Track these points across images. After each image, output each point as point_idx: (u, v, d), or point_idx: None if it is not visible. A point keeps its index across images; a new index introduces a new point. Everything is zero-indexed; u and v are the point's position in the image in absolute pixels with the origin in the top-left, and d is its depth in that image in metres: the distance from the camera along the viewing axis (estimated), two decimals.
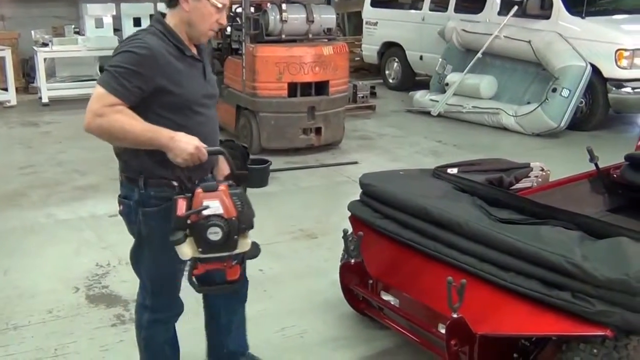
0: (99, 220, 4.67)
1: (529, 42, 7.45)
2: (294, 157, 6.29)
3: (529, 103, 7.46)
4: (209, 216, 1.98)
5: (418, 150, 6.82)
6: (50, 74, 9.14)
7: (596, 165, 3.79)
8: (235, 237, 2.02)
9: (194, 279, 2.12)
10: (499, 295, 2.44)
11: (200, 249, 2.01)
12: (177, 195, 2.03)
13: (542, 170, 3.86)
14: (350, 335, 3.18)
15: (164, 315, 2.42)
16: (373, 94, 9.41)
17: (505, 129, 7.47)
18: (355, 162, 6.22)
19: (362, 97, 8.73)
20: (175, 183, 2.14)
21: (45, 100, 8.53)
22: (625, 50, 7.04)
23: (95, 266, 3.95)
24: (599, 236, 2.49)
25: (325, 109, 6.44)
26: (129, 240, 2.35)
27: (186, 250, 2.02)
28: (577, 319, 2.18)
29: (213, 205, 1.99)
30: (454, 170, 3.53)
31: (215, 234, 1.98)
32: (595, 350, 2.21)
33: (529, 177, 3.80)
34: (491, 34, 7.88)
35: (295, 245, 4.31)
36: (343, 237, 2.88)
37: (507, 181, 3.61)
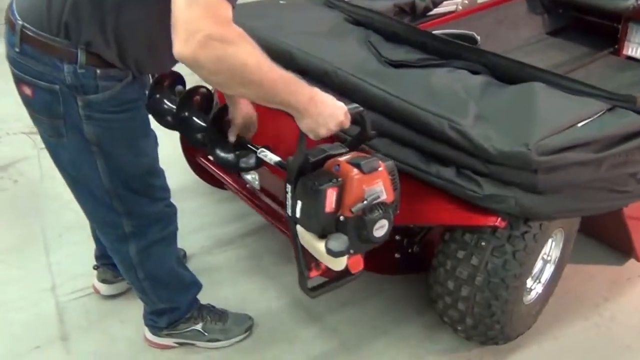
0: None
1: None
2: None
3: None
4: (373, 206, 1.40)
5: None
6: None
7: None
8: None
9: (308, 285, 1.53)
10: None
11: (352, 250, 1.42)
12: (324, 184, 1.37)
13: None
14: (215, 219, 2.62)
15: (161, 231, 1.75)
16: None
17: None
18: None
19: None
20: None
21: None
22: None
23: None
24: (512, 80, 1.85)
25: None
26: None
27: (344, 261, 1.44)
28: (461, 203, 1.60)
29: (377, 191, 1.42)
30: None
31: (381, 228, 1.42)
32: (483, 243, 1.67)
33: None
34: None
35: None
36: None
37: (421, 6, 2.88)
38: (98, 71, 1.39)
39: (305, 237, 1.47)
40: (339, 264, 1.46)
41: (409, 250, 1.98)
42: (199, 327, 1.96)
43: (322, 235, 1.43)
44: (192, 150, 2.36)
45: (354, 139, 1.58)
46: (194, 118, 1.97)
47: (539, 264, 1.90)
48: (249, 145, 1.86)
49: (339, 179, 1.39)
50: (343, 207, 1.40)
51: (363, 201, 1.39)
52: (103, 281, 2.19)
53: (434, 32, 2.34)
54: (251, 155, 1.90)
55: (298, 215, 1.45)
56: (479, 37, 2.36)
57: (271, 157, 1.71)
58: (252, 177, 2.21)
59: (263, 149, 1.76)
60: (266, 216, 2.12)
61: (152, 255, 1.76)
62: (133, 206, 1.65)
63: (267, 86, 1.23)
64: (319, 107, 1.33)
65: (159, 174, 1.69)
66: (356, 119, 1.49)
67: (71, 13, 1.33)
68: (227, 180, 2.23)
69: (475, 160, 1.57)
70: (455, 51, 2.03)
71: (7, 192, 2.84)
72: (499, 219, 1.56)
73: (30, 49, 1.40)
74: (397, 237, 1.98)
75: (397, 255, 1.99)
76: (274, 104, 1.30)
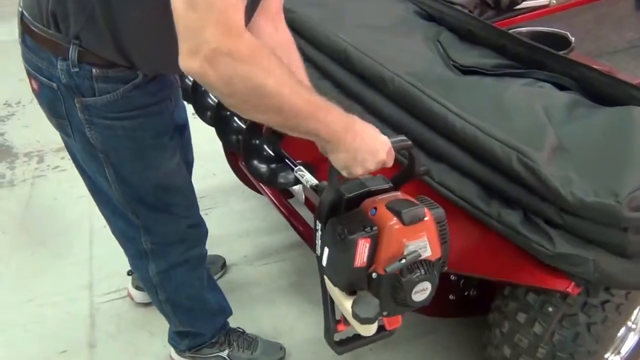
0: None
1: None
2: None
3: None
4: (413, 265, 1.14)
5: None
6: None
7: None
8: None
9: (334, 338, 1.31)
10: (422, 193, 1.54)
11: (385, 312, 1.19)
12: (355, 233, 1.12)
13: None
14: (262, 226, 2.43)
15: (183, 254, 1.57)
16: None
17: None
18: None
19: None
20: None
21: None
22: None
23: (3, 105, 3.27)
24: (607, 101, 1.49)
25: None
26: None
27: (373, 328, 1.22)
28: (525, 256, 1.29)
29: (420, 246, 1.15)
30: None
31: (422, 292, 1.16)
32: (550, 309, 1.34)
33: None
34: None
35: None
36: None
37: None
38: (94, 71, 1.19)
39: (333, 289, 1.24)
40: (367, 330, 1.22)
41: (465, 293, 1.69)
42: (224, 354, 1.79)
43: (351, 291, 1.19)
44: (234, 153, 2.16)
45: (399, 175, 1.31)
46: (234, 117, 1.77)
47: (620, 332, 1.55)
48: (286, 160, 1.64)
49: (374, 228, 1.13)
50: (376, 263, 1.14)
51: (401, 259, 1.11)
52: (137, 288, 2.07)
53: (519, 29, 1.99)
54: (289, 171, 1.68)
55: (324, 263, 1.22)
56: (573, 38, 1.97)
57: (308, 179, 1.49)
58: (298, 187, 1.99)
59: (301, 167, 1.53)
60: (301, 235, 1.89)
61: (173, 278, 1.59)
62: (149, 222, 1.47)
63: (290, 113, 0.98)
64: (358, 140, 1.07)
65: (179, 189, 1.48)
66: (403, 155, 1.23)
67: (56, 1, 1.14)
68: (263, 189, 2.01)
69: (549, 206, 1.25)
70: (540, 58, 1.68)
71: (66, 172, 2.81)
72: (572, 284, 1.23)
73: (30, 40, 1.24)
74: (453, 277, 1.69)
75: (451, 297, 1.70)
76: (301, 134, 1.05)
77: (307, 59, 1.96)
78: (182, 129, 1.68)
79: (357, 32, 1.86)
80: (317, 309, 1.99)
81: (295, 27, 2.04)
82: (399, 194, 1.22)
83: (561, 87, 1.59)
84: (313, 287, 2.08)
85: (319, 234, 1.24)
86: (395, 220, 1.11)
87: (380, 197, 1.20)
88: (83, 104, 1.23)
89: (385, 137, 1.14)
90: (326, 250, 1.20)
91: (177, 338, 1.76)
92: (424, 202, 1.20)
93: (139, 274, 1.64)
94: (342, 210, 1.20)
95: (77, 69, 1.18)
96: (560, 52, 1.74)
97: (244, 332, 1.84)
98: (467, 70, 1.72)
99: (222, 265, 2.18)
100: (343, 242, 1.12)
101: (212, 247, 2.18)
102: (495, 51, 1.80)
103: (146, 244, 1.52)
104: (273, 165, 1.70)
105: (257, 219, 2.45)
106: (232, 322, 1.85)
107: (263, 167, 1.70)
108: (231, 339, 1.80)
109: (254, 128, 1.69)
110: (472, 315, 1.76)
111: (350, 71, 1.78)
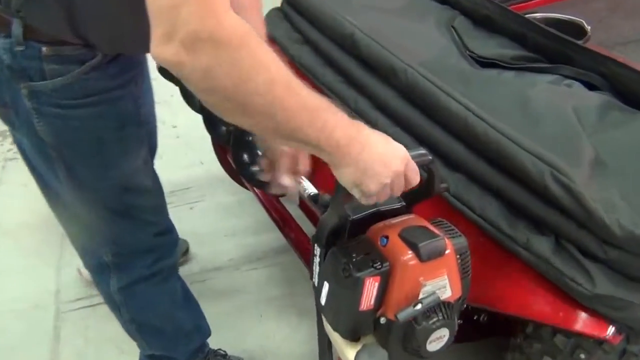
0: None
1: None
2: None
3: None
4: (430, 310, 0.94)
5: None
6: None
7: None
8: None
9: None
10: (436, 211, 1.33)
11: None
12: (362, 270, 0.92)
13: None
14: (251, 223, 2.22)
15: (150, 267, 1.36)
16: None
17: None
18: None
19: None
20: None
21: None
22: None
23: None
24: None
25: None
26: None
27: None
28: (556, 291, 1.09)
29: (439, 286, 0.96)
30: None
31: (439, 340, 0.97)
32: (582, 355, 1.15)
33: None
34: None
35: None
36: None
37: None
38: (44, 49, 0.98)
39: (332, 333, 1.04)
40: None
41: (475, 318, 1.49)
42: None
43: (355, 337, 1.00)
44: (223, 147, 1.94)
45: (414, 193, 1.10)
46: None
47: None
48: None
49: (385, 263, 0.92)
50: (386, 305, 0.95)
51: (416, 305, 0.91)
52: None
53: (533, 14, 1.79)
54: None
55: (322, 301, 1.01)
56: (589, 27, 1.76)
57: (305, 186, 1.28)
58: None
59: None
60: (292, 243, 1.69)
61: (138, 294, 1.39)
62: (109, 230, 1.27)
63: (282, 117, 0.78)
64: (366, 151, 0.86)
65: (146, 190, 1.26)
66: (421, 169, 1.02)
67: None
68: (252, 188, 1.80)
69: (588, 234, 1.05)
70: (564, 50, 1.48)
71: None
72: (613, 330, 1.04)
73: None
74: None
75: (458, 321, 1.50)
76: (297, 144, 0.84)
77: (308, 41, 1.75)
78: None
79: (365, 15, 1.65)
80: (309, 323, 1.81)
81: (297, 6, 1.83)
82: (413, 217, 1.02)
83: (589, 85, 1.39)
84: (304, 297, 1.90)
85: (317, 259, 1.04)
86: (410, 254, 0.92)
87: (391, 221, 1.00)
88: (30, 89, 1.02)
89: (399, 144, 0.92)
90: (325, 285, 1.00)
91: None
92: (442, 228, 1.00)
93: (100, 289, 1.44)
94: (345, 234, 1.00)
95: (22, 48, 0.98)
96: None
97: (225, 355, 1.64)
98: (485, 62, 1.51)
99: (185, 252, 1.97)
100: (347, 280, 0.93)
101: (194, 246, 2.01)
102: (514, 40, 1.61)
103: (107, 256, 1.32)
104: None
105: (246, 215, 2.23)
106: (214, 338, 1.64)
107: (255, 168, 1.50)
108: None
109: None
110: (481, 339, 1.58)
111: (356, 58, 1.56)
